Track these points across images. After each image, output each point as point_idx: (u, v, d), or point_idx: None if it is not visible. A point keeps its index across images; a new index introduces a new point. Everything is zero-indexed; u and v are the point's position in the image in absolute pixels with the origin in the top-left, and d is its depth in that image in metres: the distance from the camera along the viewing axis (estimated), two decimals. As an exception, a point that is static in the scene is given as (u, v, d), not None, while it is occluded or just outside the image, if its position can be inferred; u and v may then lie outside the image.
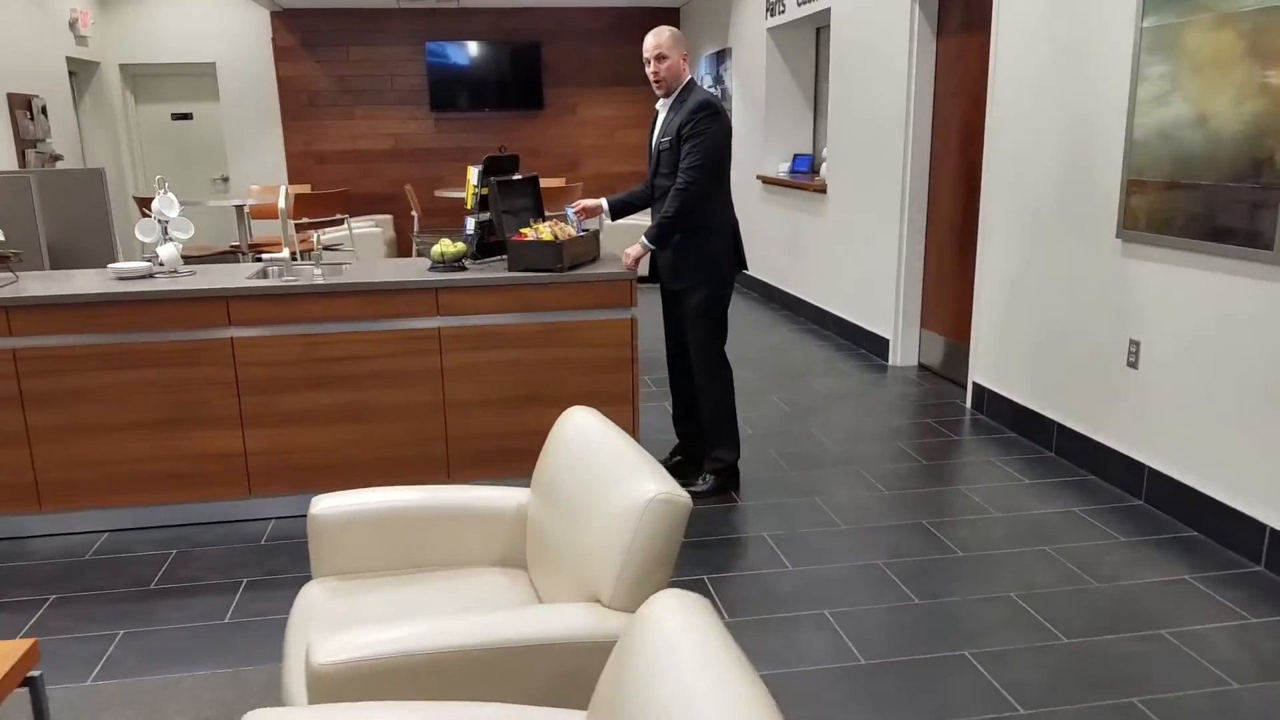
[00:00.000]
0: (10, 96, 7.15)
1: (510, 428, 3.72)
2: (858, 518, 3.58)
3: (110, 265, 3.58)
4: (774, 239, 7.90)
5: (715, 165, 3.56)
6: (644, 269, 3.94)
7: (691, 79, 3.70)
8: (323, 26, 9.77)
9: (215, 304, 3.42)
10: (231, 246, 6.68)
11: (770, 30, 7.64)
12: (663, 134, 3.68)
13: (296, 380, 3.53)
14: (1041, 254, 4.25)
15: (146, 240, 3.60)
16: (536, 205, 4.05)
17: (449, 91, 10.00)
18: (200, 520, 3.63)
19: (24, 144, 7.30)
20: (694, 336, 3.76)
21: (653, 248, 3.66)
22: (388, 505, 2.25)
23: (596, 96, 10.37)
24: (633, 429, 3.80)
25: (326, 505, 2.22)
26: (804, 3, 6.81)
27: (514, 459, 3.75)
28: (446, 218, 10.21)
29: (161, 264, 3.60)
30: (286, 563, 3.28)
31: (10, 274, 3.62)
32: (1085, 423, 4.01)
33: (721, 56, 9.00)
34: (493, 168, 3.81)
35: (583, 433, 2.14)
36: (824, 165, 6.76)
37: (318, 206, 5.88)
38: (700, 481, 3.82)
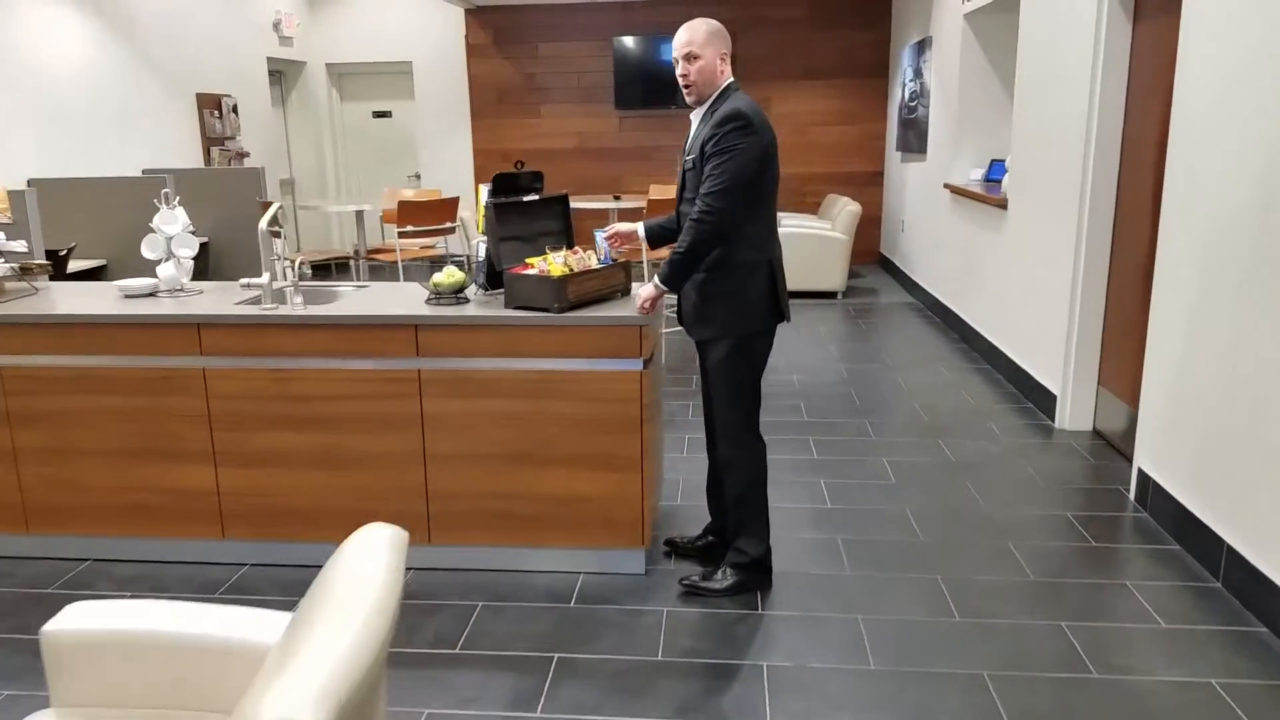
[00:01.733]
0: (199, 97, 7.54)
1: (499, 488, 3.20)
2: (895, 656, 2.75)
3: (118, 283, 3.44)
4: (952, 254, 6.82)
5: (741, 190, 2.85)
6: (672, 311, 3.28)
7: (732, 83, 2.99)
8: (513, 23, 9.68)
9: (187, 331, 3.17)
10: (354, 251, 6.64)
11: (967, 16, 6.56)
12: (689, 150, 3.01)
13: (270, 417, 3.22)
14: (1229, 307, 3.14)
15: (151, 257, 3.43)
16: (565, 230, 3.49)
17: (634, 88, 9.61)
18: (173, 559, 3.42)
19: (210, 142, 7.69)
20: (716, 400, 3.07)
21: (664, 289, 3.01)
22: (139, 631, 1.81)
23: (790, 90, 9.58)
24: (641, 504, 3.17)
25: (65, 623, 1.82)
26: (996, -18, 5.73)
27: (502, 525, 3.23)
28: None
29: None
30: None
31: (28, 286, 3.57)
32: (1267, 552, 2.90)
33: (922, 47, 7.94)
34: (506, 186, 3.30)
35: (348, 568, 1.59)
36: (1007, 176, 5.66)
37: (424, 214, 5.63)
38: (719, 576, 3.13)
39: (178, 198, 3.49)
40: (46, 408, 3.28)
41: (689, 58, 2.95)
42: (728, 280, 2.98)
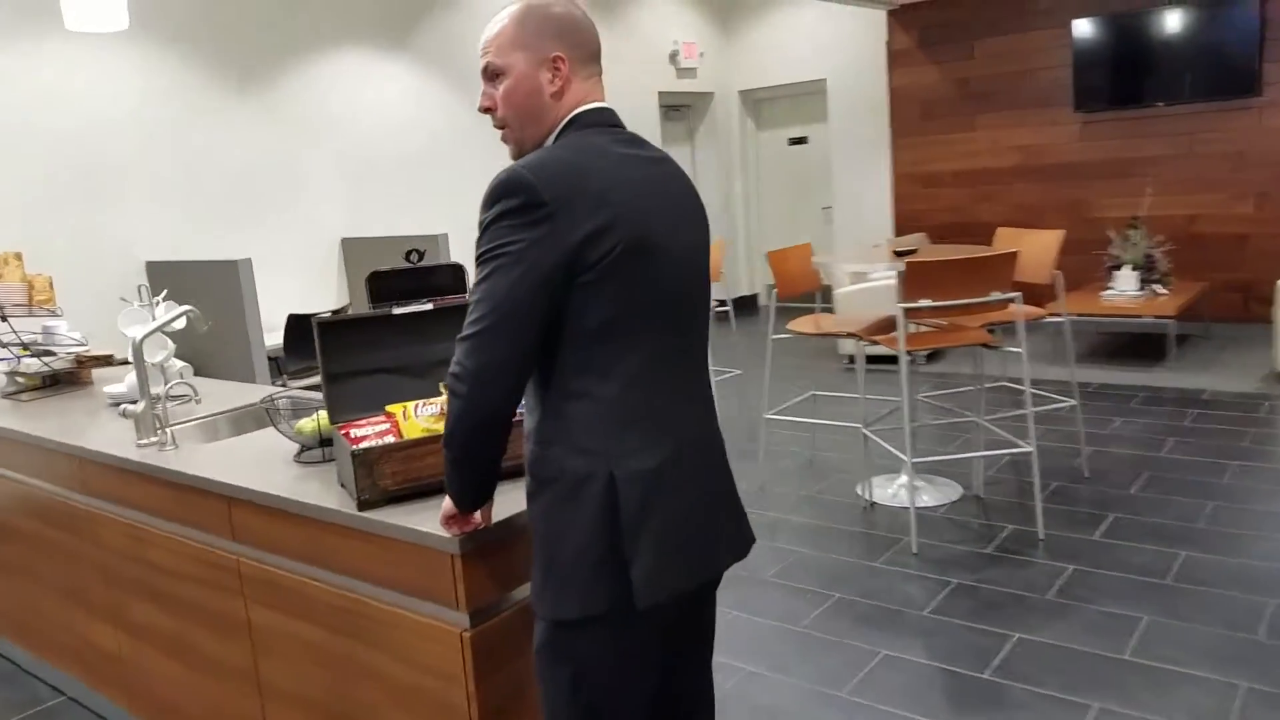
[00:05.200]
0: (560, 141, 7.27)
1: (330, 756, 2.07)
2: None
3: (109, 389, 3.00)
4: None
5: (513, 334, 1.39)
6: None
7: (585, 112, 1.51)
8: (945, 19, 7.90)
9: (69, 459, 2.59)
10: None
11: None
12: None
13: (135, 582, 2.49)
14: None
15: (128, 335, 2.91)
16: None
17: (1101, 83, 7.20)
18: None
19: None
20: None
21: (461, 510, 1.61)
22: None
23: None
24: None
25: None
26: None
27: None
28: (1092, 256, 7.41)
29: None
30: None
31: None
32: None
33: None
34: (391, 288, 2.13)
35: None
36: None
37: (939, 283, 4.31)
38: None
39: (164, 292, 2.94)
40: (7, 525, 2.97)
41: (488, 75, 1.54)
42: (537, 504, 1.51)
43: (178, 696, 2.46)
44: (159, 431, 2.39)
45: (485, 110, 1.55)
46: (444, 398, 1.90)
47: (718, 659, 2.95)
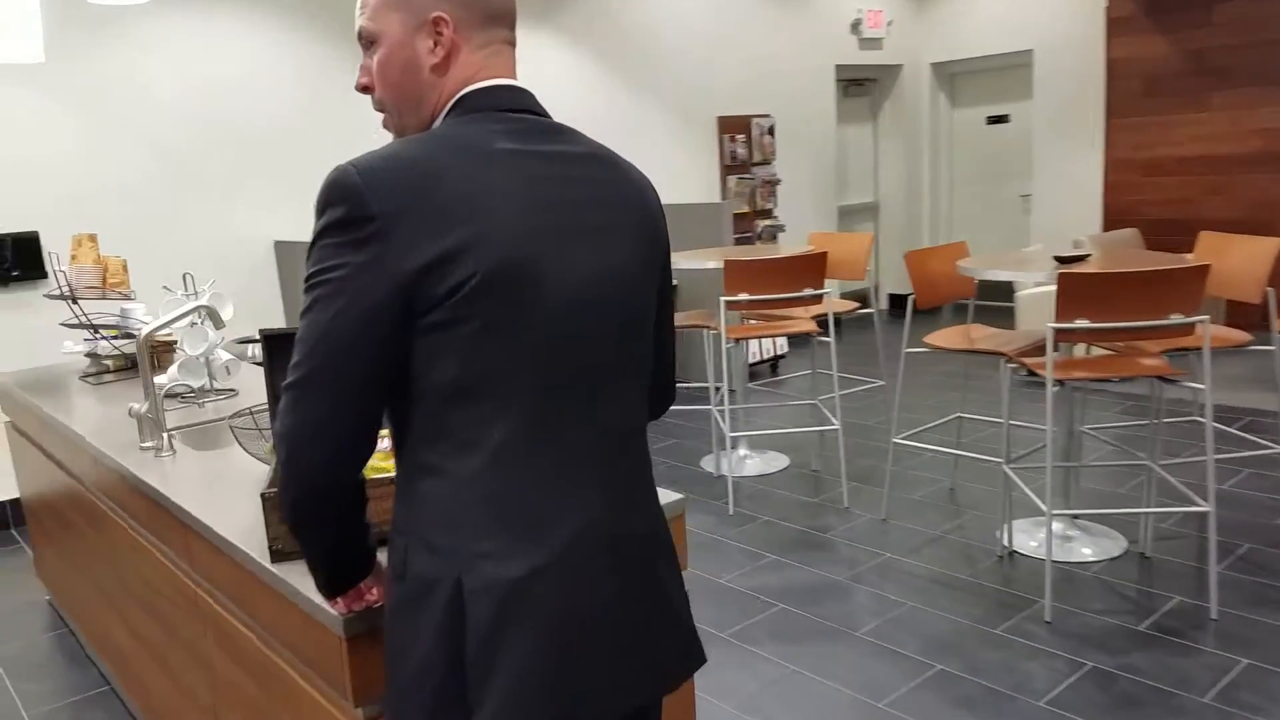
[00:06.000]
0: (722, 120, 6.86)
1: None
2: None
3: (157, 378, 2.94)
4: None
5: (333, 382, 1.07)
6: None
7: (474, 91, 1.16)
8: (1179, -20, 6.82)
9: (87, 454, 2.51)
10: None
11: None
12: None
13: (136, 590, 2.38)
14: None
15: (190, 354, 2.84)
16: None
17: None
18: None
19: (729, 170, 6.97)
20: None
21: (323, 595, 1.31)
22: None
23: None
24: None
25: None
26: None
27: None
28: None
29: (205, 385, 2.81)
30: None
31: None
32: None
33: None
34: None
35: None
36: None
37: (757, 279, 3.98)
38: None
39: (211, 281, 2.83)
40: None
41: (364, 42, 1.21)
42: (388, 601, 1.19)
43: (169, 714, 2.35)
44: (157, 435, 2.26)
45: (363, 89, 1.22)
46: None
47: (771, 734, 2.54)
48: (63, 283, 3.08)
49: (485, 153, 1.10)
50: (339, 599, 1.32)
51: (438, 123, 1.18)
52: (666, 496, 1.67)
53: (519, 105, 1.17)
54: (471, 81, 1.16)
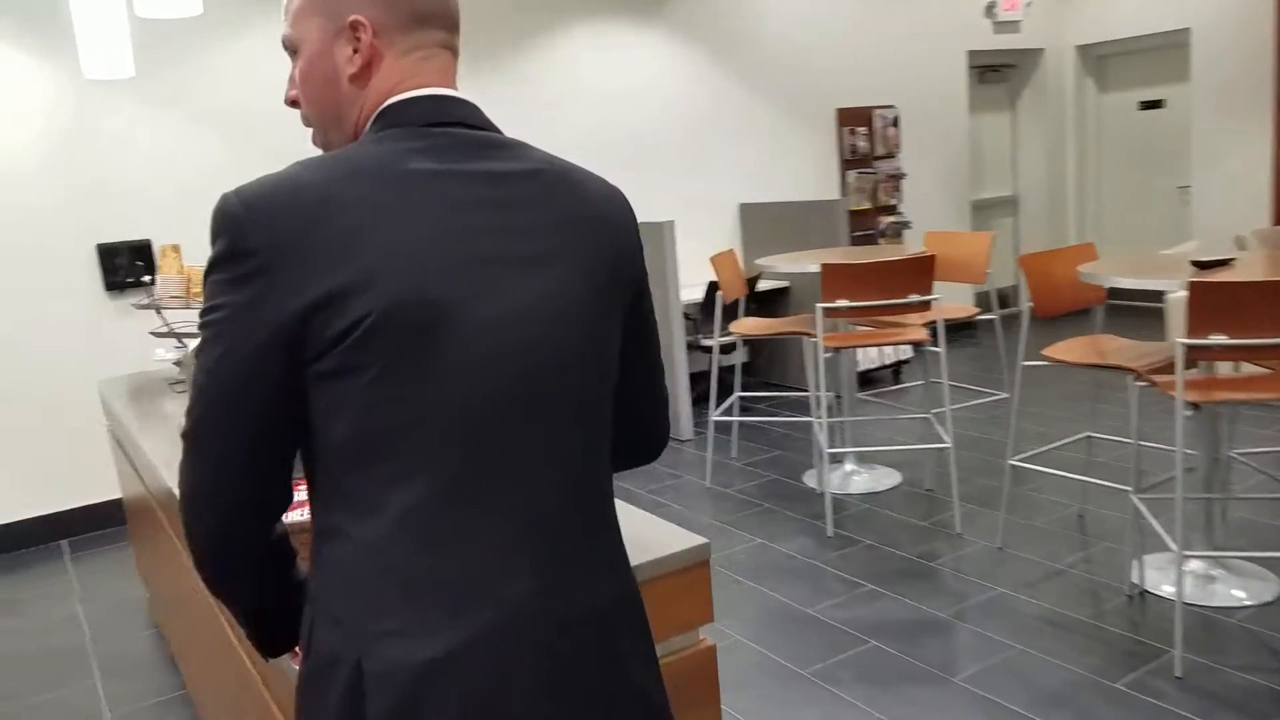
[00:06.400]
0: (840, 112, 6.54)
1: None
2: None
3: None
4: None
5: (220, 430, 0.95)
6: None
7: (398, 103, 1.01)
8: (1368, -58, 6.05)
9: (148, 463, 2.52)
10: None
11: None
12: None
13: (183, 603, 2.37)
14: None
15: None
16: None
17: None
18: None
19: (849, 164, 6.63)
20: None
21: (263, 656, 1.19)
22: None
23: None
24: None
25: None
26: None
27: None
28: None
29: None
30: None
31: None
32: None
33: None
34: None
35: None
36: None
37: (858, 284, 3.67)
38: None
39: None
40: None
41: (288, 50, 1.08)
42: (298, 682, 1.05)
43: (219, 731, 2.33)
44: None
45: (291, 103, 1.10)
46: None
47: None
48: (153, 293, 3.14)
49: (394, 175, 0.95)
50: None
51: (349, 137, 1.05)
52: (689, 540, 1.49)
53: (447, 118, 1.01)
54: (394, 93, 1.01)
